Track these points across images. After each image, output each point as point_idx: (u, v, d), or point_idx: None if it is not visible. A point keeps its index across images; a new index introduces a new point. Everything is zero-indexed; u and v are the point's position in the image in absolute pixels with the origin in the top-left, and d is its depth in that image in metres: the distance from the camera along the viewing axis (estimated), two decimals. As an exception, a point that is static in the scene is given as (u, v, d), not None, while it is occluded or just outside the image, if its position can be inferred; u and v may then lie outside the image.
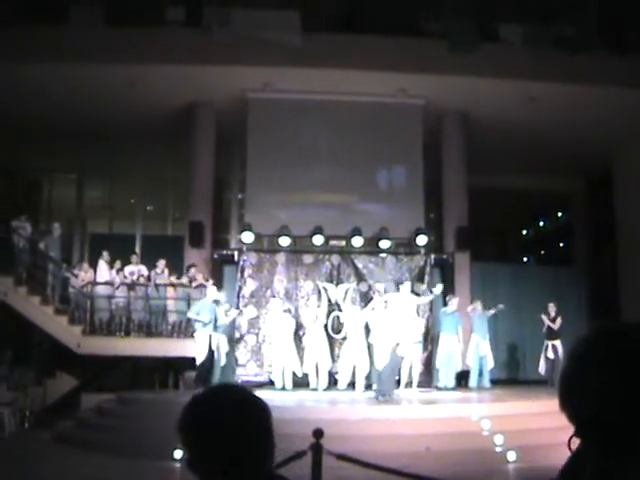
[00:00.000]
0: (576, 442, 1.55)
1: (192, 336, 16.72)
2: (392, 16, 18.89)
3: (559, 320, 17.71)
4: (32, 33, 17.65)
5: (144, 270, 19.20)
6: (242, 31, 18.16)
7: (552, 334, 17.63)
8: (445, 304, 18.24)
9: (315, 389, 16.65)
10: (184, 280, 18.61)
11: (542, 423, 11.52)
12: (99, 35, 17.86)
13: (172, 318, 18.87)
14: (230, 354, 17.05)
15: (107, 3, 18.16)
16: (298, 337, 17.59)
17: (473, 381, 17.75)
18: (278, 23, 18.41)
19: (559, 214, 29.54)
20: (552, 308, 17.88)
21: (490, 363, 17.80)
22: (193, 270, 18.59)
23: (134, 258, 19.71)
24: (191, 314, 16.32)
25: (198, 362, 15.77)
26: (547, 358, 17.51)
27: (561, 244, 29.76)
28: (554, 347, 17.45)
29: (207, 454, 1.89)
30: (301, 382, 17.13)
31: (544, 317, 17.75)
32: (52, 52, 17.69)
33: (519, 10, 19.14)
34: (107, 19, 18.03)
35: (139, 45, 17.98)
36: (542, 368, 17.70)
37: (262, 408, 1.96)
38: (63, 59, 17.90)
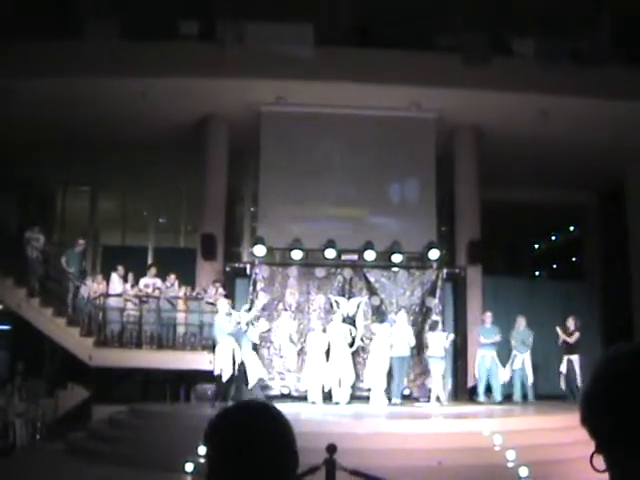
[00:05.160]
0: (598, 459, 1.57)
1: (204, 349, 16.75)
2: (405, 29, 18.93)
3: (576, 334, 17.67)
4: (47, 47, 17.76)
5: (159, 283, 19.25)
6: (255, 44, 18.23)
7: (569, 348, 17.61)
8: (456, 321, 18.39)
9: (337, 403, 16.65)
10: (210, 298, 18.51)
11: (554, 439, 11.50)
12: (113, 49, 17.94)
13: (183, 330, 18.91)
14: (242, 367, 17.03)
15: (121, 17, 18.27)
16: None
17: (517, 396, 17.78)
18: (291, 36, 18.46)
19: (571, 228, 29.49)
20: (571, 322, 17.85)
21: (530, 377, 17.78)
22: (215, 287, 18.56)
23: (152, 270, 19.75)
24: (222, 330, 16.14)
25: (225, 378, 15.61)
26: (563, 373, 17.48)
27: (573, 258, 29.71)
28: (570, 361, 17.42)
29: (231, 470, 1.87)
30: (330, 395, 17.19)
31: (559, 330, 17.72)
32: (67, 65, 17.80)
33: (532, 24, 19.15)
34: (121, 33, 18.13)
35: (153, 59, 18.06)
36: (563, 383, 17.66)
37: (290, 429, 1.95)
38: (78, 72, 17.99)
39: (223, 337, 15.71)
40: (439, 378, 17.35)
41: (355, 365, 17.47)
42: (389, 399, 16.81)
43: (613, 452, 1.55)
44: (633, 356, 1.59)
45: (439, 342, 17.43)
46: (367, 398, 17.15)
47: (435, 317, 18.32)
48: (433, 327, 17.88)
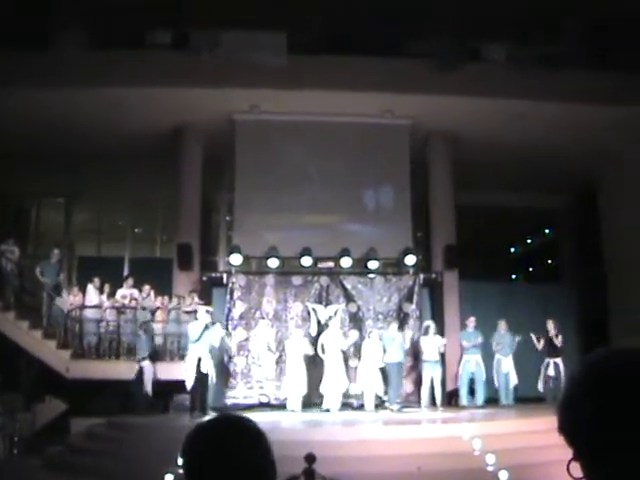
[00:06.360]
0: (576, 466, 1.57)
1: (182, 359, 16.66)
2: (378, 37, 18.99)
3: (560, 337, 17.76)
4: (18, 58, 17.66)
5: (136, 294, 19.18)
6: (228, 53, 18.22)
7: (553, 351, 17.66)
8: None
9: (327, 410, 16.67)
10: (188, 307, 18.44)
11: (534, 442, 11.52)
12: (85, 59, 17.89)
13: (161, 341, 18.84)
14: (219, 377, 16.96)
15: (94, 27, 18.19)
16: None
17: (503, 398, 17.89)
18: (265, 45, 18.47)
19: (546, 231, 29.59)
20: (551, 325, 17.93)
21: (514, 380, 17.90)
22: (191, 297, 18.51)
23: (129, 281, 19.65)
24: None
25: (188, 386, 15.48)
26: (548, 376, 17.52)
27: (549, 261, 29.82)
28: (556, 364, 17.48)
29: None
30: (311, 403, 17.21)
31: (533, 336, 17.81)
32: (39, 76, 17.71)
33: (503, 29, 19.24)
34: (94, 43, 18.06)
35: (126, 68, 18.01)
36: (541, 386, 17.72)
37: (266, 440, 1.95)
38: (50, 83, 17.91)
39: (191, 345, 15.55)
40: (428, 382, 17.49)
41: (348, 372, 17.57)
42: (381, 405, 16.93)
43: (591, 459, 1.55)
44: (612, 362, 1.60)
45: (432, 346, 17.53)
46: (348, 404, 17.26)
47: (427, 322, 18.34)
48: (426, 331, 17.91)
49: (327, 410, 16.65)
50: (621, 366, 1.57)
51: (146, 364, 17.39)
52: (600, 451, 1.52)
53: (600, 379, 1.56)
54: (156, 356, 18.17)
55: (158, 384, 17.74)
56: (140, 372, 17.22)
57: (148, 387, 17.24)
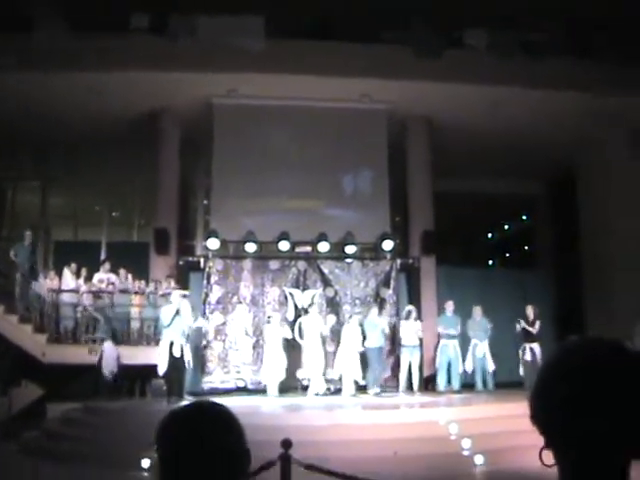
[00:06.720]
0: (548, 454, 1.58)
1: (158, 343, 16.64)
2: (356, 22, 18.95)
3: (538, 323, 17.81)
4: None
5: (113, 278, 19.13)
6: (206, 37, 18.13)
7: (529, 337, 17.71)
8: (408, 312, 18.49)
9: (317, 394, 16.75)
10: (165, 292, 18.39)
11: (510, 426, 11.58)
12: (62, 42, 17.72)
13: (138, 325, 18.81)
14: (196, 361, 16.95)
15: (70, 10, 18.03)
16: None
17: (479, 383, 17.99)
18: (242, 29, 18.39)
19: (523, 217, 29.74)
20: (530, 310, 17.98)
21: (491, 365, 17.96)
22: (168, 281, 18.46)
23: (106, 265, 19.59)
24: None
25: (160, 372, 15.41)
26: (525, 360, 17.58)
27: (525, 247, 29.98)
28: (532, 350, 17.54)
29: (182, 469, 1.86)
30: (288, 387, 17.26)
31: (521, 321, 17.84)
32: (15, 59, 17.53)
33: (484, 16, 19.25)
34: (71, 26, 17.90)
35: (103, 52, 17.85)
36: (522, 370, 17.78)
37: (240, 427, 1.95)
38: (26, 66, 17.74)
39: (164, 329, 15.49)
40: (406, 367, 17.60)
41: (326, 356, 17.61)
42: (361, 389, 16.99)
43: (564, 447, 1.55)
44: (588, 349, 1.60)
45: (412, 331, 17.59)
46: (326, 389, 17.32)
47: (409, 307, 18.36)
48: (407, 316, 17.95)
49: (317, 394, 16.70)
50: (597, 354, 1.58)
51: (107, 346, 17.34)
52: (571, 438, 1.53)
53: (575, 365, 1.57)
54: (117, 338, 18.17)
55: (135, 368, 17.72)
56: (102, 355, 17.19)
57: (108, 369, 17.16)
